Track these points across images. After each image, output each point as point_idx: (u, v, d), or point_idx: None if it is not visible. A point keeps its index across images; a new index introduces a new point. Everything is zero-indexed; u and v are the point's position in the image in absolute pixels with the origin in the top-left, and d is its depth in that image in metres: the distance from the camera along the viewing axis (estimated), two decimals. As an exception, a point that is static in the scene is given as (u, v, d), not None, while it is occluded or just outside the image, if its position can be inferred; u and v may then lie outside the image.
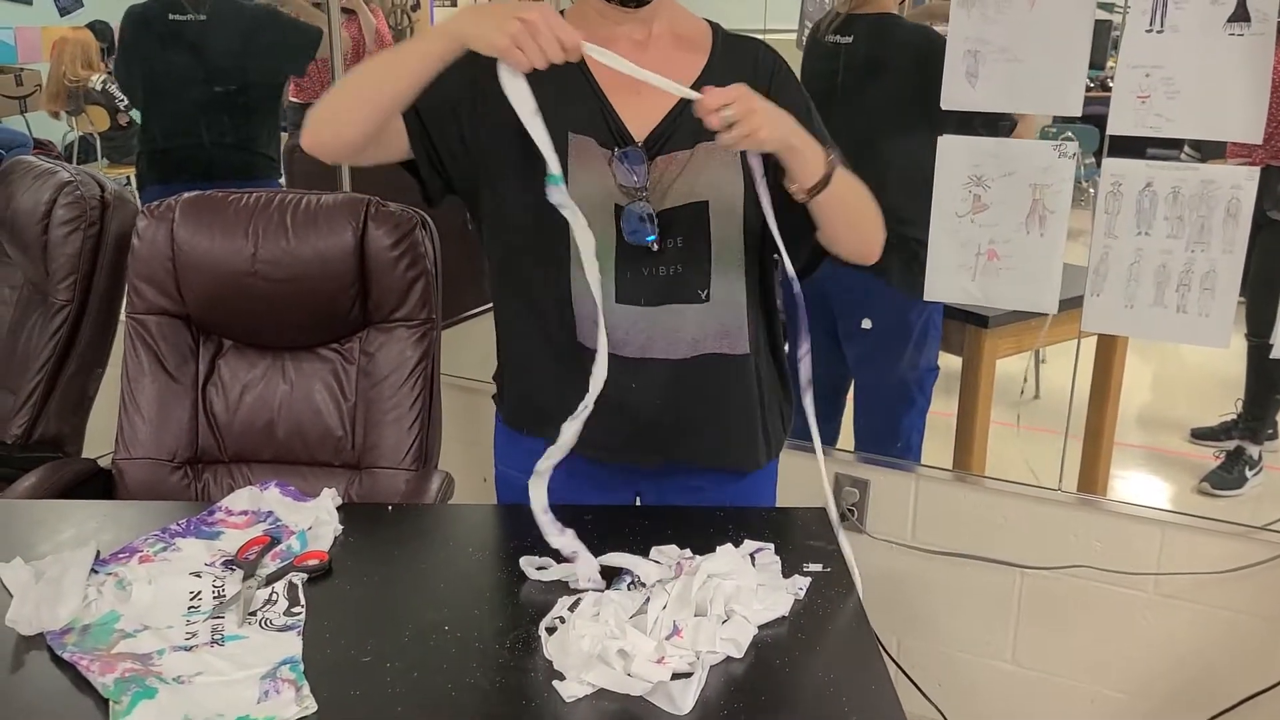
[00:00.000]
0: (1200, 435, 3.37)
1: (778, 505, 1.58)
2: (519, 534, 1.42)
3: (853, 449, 2.47)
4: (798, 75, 1.54)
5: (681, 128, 1.40)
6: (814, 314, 2.47)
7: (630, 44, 1.43)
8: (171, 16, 3.09)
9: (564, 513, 1.49)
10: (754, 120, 1.23)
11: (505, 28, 1.20)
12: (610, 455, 1.50)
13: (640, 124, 1.41)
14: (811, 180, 1.32)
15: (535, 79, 1.35)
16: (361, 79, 1.36)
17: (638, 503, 1.59)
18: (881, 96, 2.30)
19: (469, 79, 1.35)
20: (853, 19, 2.33)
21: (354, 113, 1.35)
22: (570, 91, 1.41)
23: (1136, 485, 3.14)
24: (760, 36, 3.35)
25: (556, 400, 1.44)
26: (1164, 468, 3.35)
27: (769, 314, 1.53)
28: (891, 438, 2.45)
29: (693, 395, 1.47)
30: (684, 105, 1.40)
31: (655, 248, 1.39)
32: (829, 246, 1.44)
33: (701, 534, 1.39)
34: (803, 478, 2.40)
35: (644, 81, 1.32)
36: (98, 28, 6.24)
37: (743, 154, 1.38)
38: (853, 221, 1.41)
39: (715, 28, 1.49)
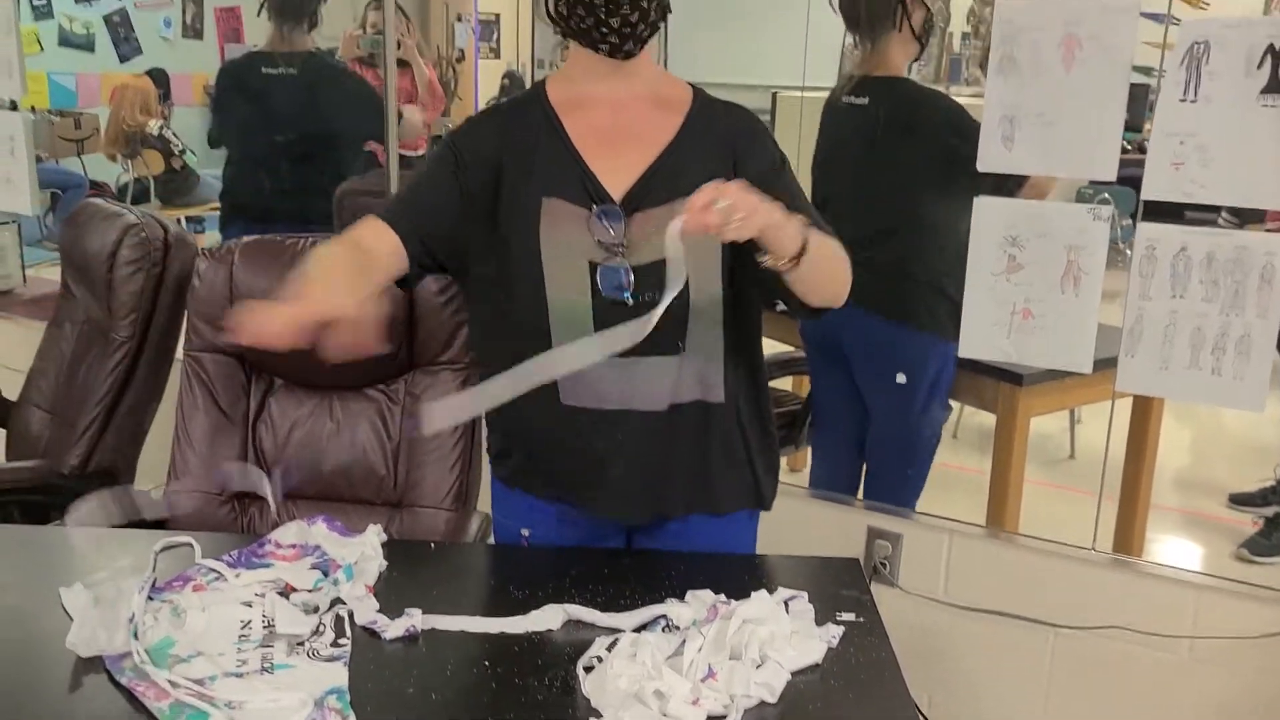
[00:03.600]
0: (1239, 501, 3.35)
1: (812, 555, 1.60)
2: (558, 575, 1.46)
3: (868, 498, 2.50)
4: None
5: (657, 187, 1.44)
6: (828, 360, 2.55)
7: (609, 105, 1.49)
8: (264, 70, 3.26)
9: (598, 553, 1.53)
10: (747, 203, 1.23)
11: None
12: (599, 509, 1.54)
13: (617, 185, 1.45)
14: (791, 252, 1.32)
15: (519, 148, 1.45)
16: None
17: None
18: (899, 155, 2.37)
19: (454, 195, 1.45)
20: (867, 81, 2.41)
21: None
22: (551, 156, 1.46)
23: (1172, 549, 3.12)
24: (799, 95, 3.43)
25: (544, 462, 1.49)
26: (1201, 532, 3.33)
27: (751, 366, 1.55)
28: (916, 484, 2.48)
29: (674, 445, 1.50)
30: (659, 163, 1.46)
31: (630, 303, 1.42)
32: (800, 300, 1.43)
33: (736, 580, 1.42)
34: (832, 528, 2.43)
35: (623, 146, 1.44)
36: (155, 74, 6.45)
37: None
38: (824, 281, 1.42)
39: (698, 92, 1.54)
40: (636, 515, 1.55)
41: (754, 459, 1.57)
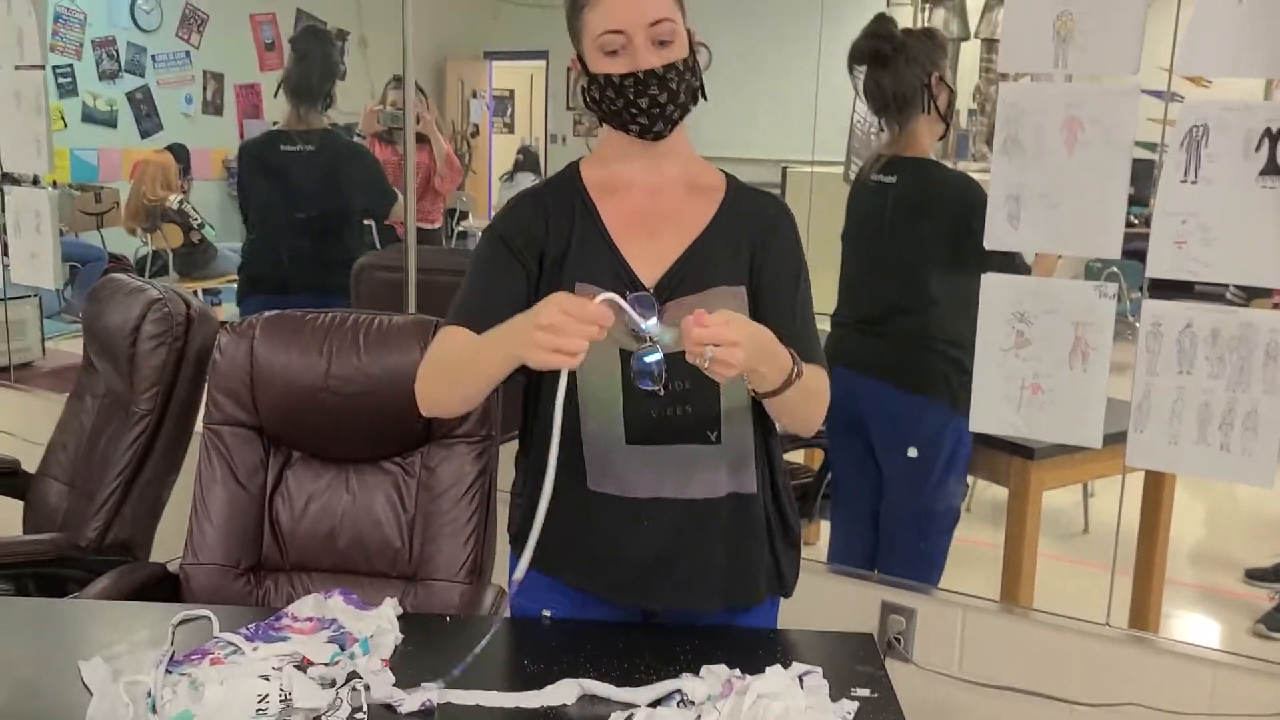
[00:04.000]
0: (1254, 576, 3.33)
1: (826, 630, 1.60)
2: (575, 649, 1.47)
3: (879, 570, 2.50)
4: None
5: (690, 274, 1.47)
6: (848, 432, 2.57)
7: (644, 190, 1.52)
8: (283, 147, 3.36)
9: (613, 627, 1.54)
10: (734, 355, 1.27)
11: (538, 342, 1.24)
12: (623, 596, 1.54)
13: (650, 270, 1.47)
14: (766, 390, 1.38)
15: (556, 229, 1.48)
16: (453, 378, 1.47)
17: None
18: (925, 233, 2.43)
19: (520, 279, 1.49)
20: (896, 161, 2.47)
21: (454, 400, 1.52)
22: (585, 241, 1.49)
23: (1188, 624, 3.10)
24: (808, 170, 3.50)
25: (567, 544, 1.48)
26: (1217, 607, 3.30)
27: (772, 455, 1.57)
28: (933, 560, 2.48)
29: (703, 535, 1.50)
30: (693, 251, 1.48)
31: (661, 392, 1.42)
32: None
33: (750, 655, 1.42)
34: (849, 601, 2.42)
35: (657, 232, 1.47)
36: (175, 150, 6.60)
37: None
38: (792, 416, 1.48)
39: (731, 180, 1.57)
40: (659, 605, 1.55)
41: (777, 547, 1.57)
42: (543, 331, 1.23)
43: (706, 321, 1.26)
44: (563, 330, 1.23)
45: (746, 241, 1.50)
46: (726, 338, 1.26)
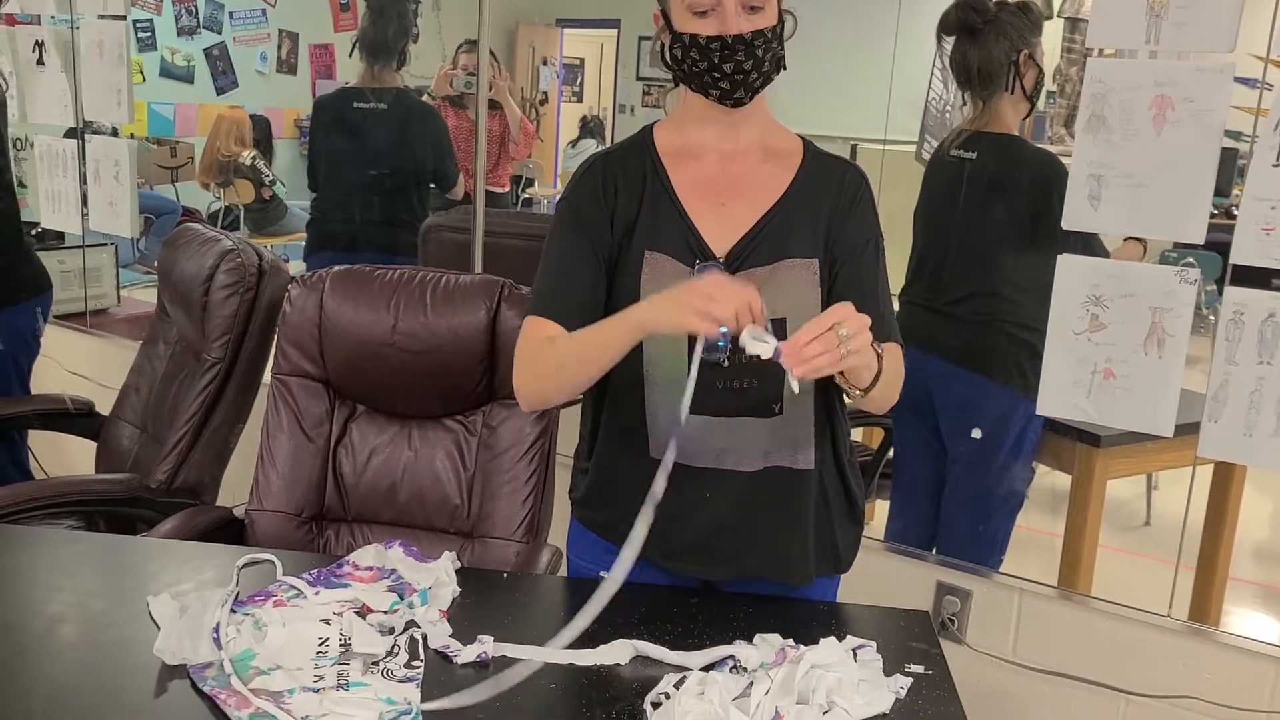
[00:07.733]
0: (1321, 575, 3.25)
1: (880, 606, 1.59)
2: (628, 611, 1.47)
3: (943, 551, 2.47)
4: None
5: (763, 244, 1.44)
6: (914, 413, 2.54)
7: (719, 155, 1.49)
8: (355, 104, 3.40)
9: (667, 592, 1.54)
10: (856, 342, 1.24)
11: (691, 306, 1.25)
12: (679, 565, 1.54)
13: (722, 240, 1.45)
14: (862, 385, 1.35)
15: (626, 195, 1.46)
16: (565, 376, 1.44)
17: None
18: (1005, 211, 2.37)
19: (596, 255, 1.47)
20: (978, 136, 2.41)
21: (564, 394, 1.49)
22: (656, 208, 1.47)
23: (1250, 621, 3.03)
24: (880, 148, 3.45)
25: (627, 513, 1.49)
26: (1279, 607, 3.22)
27: (836, 434, 1.54)
28: (994, 544, 2.45)
29: (761, 508, 1.49)
30: (766, 222, 1.45)
31: (725, 363, 1.42)
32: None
33: (804, 626, 1.42)
34: (904, 580, 2.41)
35: (730, 200, 1.44)
36: (259, 120, 6.68)
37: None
38: (876, 400, 1.43)
39: (807, 144, 1.53)
40: (714, 575, 1.55)
41: (835, 523, 1.56)
42: (699, 297, 1.24)
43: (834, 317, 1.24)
44: (718, 299, 1.24)
45: (824, 211, 1.47)
46: (855, 315, 1.24)
